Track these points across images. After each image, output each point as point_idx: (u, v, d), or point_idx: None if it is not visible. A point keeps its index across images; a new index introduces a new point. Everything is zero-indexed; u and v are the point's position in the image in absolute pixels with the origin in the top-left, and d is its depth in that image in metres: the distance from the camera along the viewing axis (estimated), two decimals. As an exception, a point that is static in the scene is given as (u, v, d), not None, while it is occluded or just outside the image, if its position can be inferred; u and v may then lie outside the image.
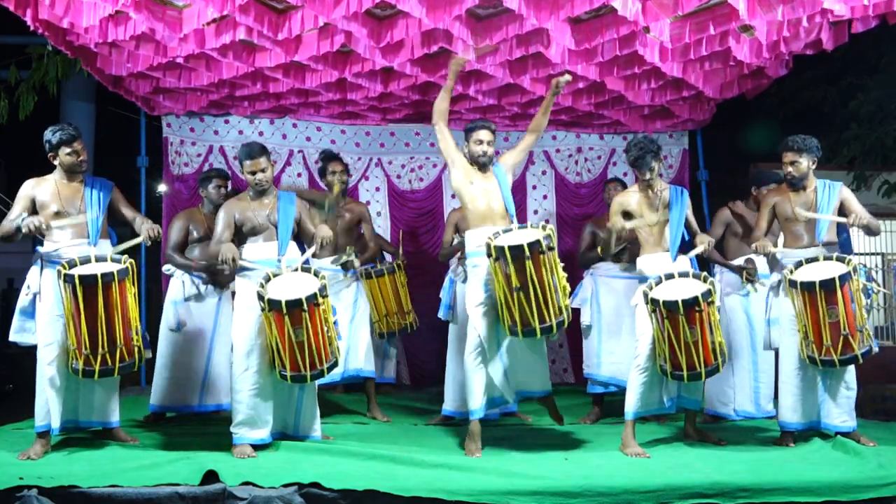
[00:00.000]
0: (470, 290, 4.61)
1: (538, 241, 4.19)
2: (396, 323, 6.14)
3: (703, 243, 4.70)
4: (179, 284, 5.42)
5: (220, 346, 5.46)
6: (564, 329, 4.45)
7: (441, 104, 4.66)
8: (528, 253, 4.17)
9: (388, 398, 6.44)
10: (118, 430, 4.71)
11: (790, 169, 4.71)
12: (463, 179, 4.68)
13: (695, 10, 4.80)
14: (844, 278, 4.36)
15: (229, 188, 5.64)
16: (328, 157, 5.76)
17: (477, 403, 4.48)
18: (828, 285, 4.34)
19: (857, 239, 8.56)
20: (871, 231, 4.66)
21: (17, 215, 4.36)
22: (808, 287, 4.39)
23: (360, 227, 5.80)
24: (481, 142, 4.66)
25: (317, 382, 4.57)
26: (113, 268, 4.19)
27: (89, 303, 4.12)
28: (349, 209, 5.71)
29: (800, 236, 4.74)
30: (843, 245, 4.81)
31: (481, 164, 4.69)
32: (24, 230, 4.28)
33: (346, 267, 5.43)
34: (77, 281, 4.09)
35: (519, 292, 4.22)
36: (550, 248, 4.25)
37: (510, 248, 4.18)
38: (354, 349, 5.56)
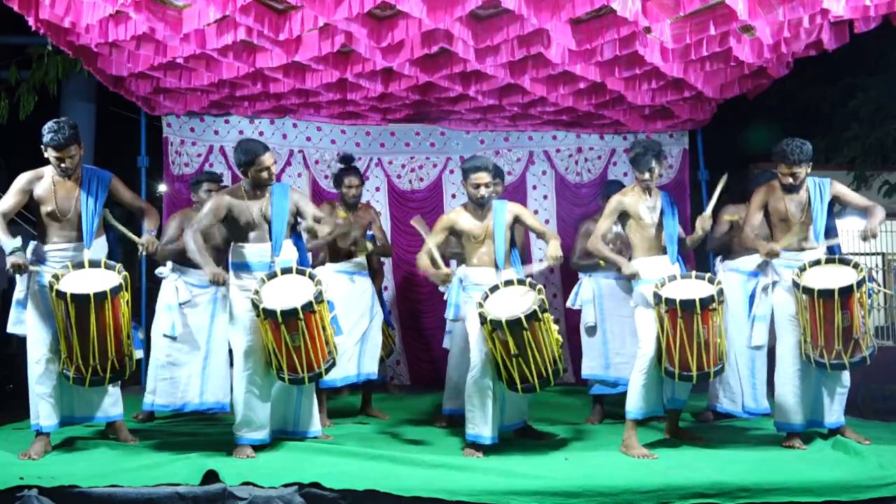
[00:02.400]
0: (471, 318, 4.59)
1: (534, 312, 4.20)
2: None
3: (700, 225, 4.68)
4: (173, 289, 5.37)
5: (217, 348, 5.45)
6: (560, 375, 4.49)
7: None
8: (525, 324, 4.18)
9: (388, 398, 6.44)
10: (121, 424, 4.71)
11: (790, 179, 4.65)
12: (460, 223, 4.74)
13: (695, 10, 4.79)
14: (861, 283, 4.34)
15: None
16: (346, 169, 5.69)
17: (480, 431, 4.42)
18: (846, 292, 4.31)
19: (856, 237, 8.56)
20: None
21: (10, 208, 4.31)
22: (825, 294, 4.34)
23: (370, 228, 5.83)
24: (478, 186, 4.65)
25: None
26: (106, 285, 4.15)
27: (81, 320, 4.11)
28: (360, 215, 5.72)
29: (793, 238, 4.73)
30: (834, 246, 4.80)
31: (479, 204, 4.71)
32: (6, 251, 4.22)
33: (356, 245, 5.47)
34: (69, 299, 4.07)
35: (517, 357, 4.25)
36: (544, 311, 4.27)
37: (508, 322, 4.17)
38: (369, 352, 5.57)
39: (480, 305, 4.33)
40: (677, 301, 4.31)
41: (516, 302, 4.31)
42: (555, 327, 4.39)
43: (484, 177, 4.64)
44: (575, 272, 5.91)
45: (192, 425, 5.34)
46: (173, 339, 5.36)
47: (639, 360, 4.56)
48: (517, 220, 4.77)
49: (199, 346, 5.42)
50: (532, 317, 4.19)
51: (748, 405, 5.43)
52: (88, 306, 4.08)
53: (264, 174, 4.44)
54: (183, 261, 5.34)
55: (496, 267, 4.69)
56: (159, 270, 5.46)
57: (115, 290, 4.16)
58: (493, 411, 4.43)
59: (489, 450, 4.42)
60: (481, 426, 4.41)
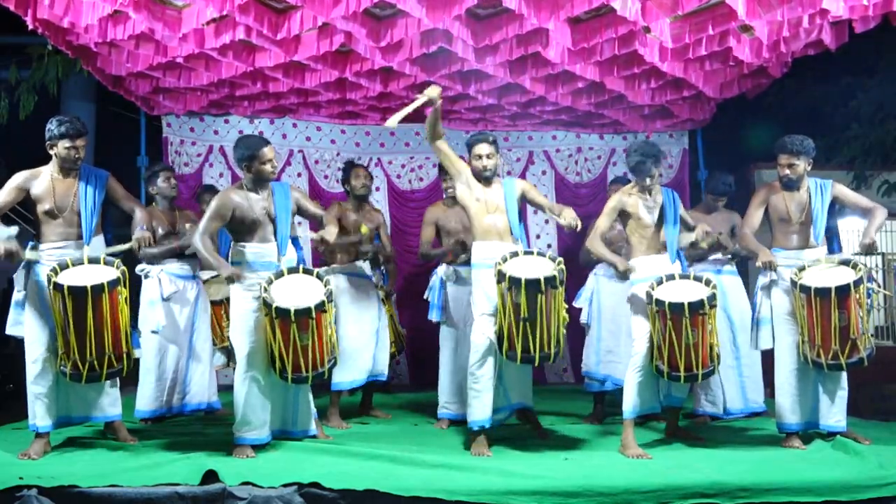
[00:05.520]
0: (476, 298, 4.60)
1: (554, 277, 4.21)
2: None
3: (699, 231, 4.74)
4: (156, 284, 5.32)
5: (201, 342, 5.45)
6: (559, 356, 4.49)
7: (430, 126, 4.67)
8: (543, 288, 4.19)
9: (389, 398, 6.44)
10: (121, 427, 4.71)
11: (787, 171, 4.67)
12: (468, 192, 4.70)
13: (694, 9, 4.79)
14: (858, 283, 4.34)
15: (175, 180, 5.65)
16: (353, 164, 5.79)
17: (484, 414, 4.48)
18: (843, 291, 4.31)
19: (857, 237, 8.56)
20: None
21: (1, 204, 4.28)
22: (822, 293, 4.34)
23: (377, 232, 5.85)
24: (480, 156, 4.67)
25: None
26: (104, 278, 4.14)
27: (79, 313, 4.10)
28: (369, 217, 5.72)
29: (792, 238, 4.73)
30: (834, 247, 4.80)
31: (485, 178, 4.71)
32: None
33: (365, 246, 5.46)
34: (66, 291, 4.06)
35: (525, 322, 4.24)
36: (562, 283, 4.28)
37: (527, 281, 4.18)
38: (381, 355, 5.59)
39: (500, 264, 4.33)
40: (667, 303, 4.32)
41: (536, 268, 4.32)
42: (564, 305, 4.40)
43: (485, 147, 4.67)
44: (574, 271, 5.92)
45: (191, 425, 5.33)
46: (157, 336, 5.33)
47: (632, 358, 4.59)
48: (524, 195, 4.78)
49: (182, 343, 5.39)
50: (551, 282, 4.21)
51: (732, 406, 5.43)
52: (85, 299, 4.08)
53: (267, 167, 4.45)
54: (161, 258, 5.34)
55: (512, 238, 4.66)
56: (140, 268, 5.42)
57: (113, 284, 4.15)
58: (494, 395, 4.51)
59: (489, 444, 4.44)
60: (483, 412, 4.47)
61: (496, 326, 4.41)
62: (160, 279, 5.31)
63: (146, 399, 5.31)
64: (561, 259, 4.42)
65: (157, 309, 5.27)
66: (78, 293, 4.08)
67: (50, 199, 4.36)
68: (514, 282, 4.21)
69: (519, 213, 4.78)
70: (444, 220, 5.57)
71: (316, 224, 4.68)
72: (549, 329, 4.29)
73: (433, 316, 5.48)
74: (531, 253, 4.49)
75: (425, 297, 5.60)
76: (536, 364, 4.40)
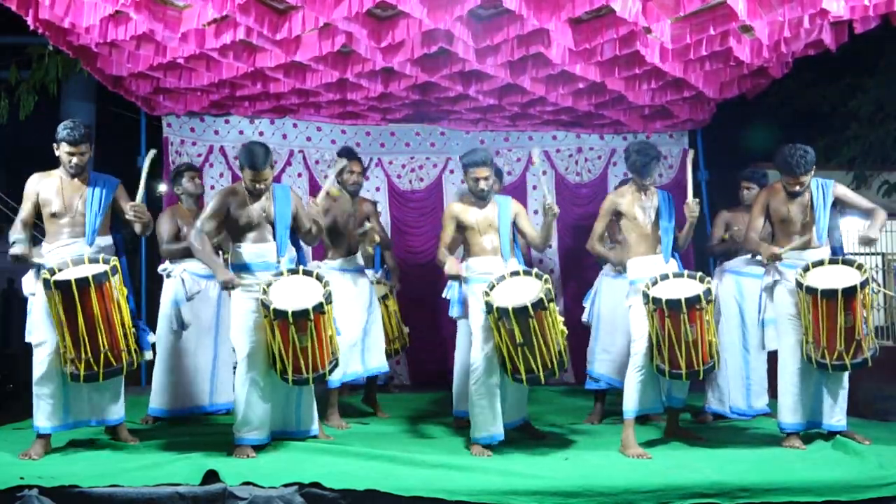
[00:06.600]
0: (473, 311, 4.62)
1: (541, 300, 4.21)
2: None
3: (688, 213, 4.70)
4: (178, 284, 5.36)
5: (225, 342, 5.45)
6: (564, 368, 4.48)
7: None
8: (532, 312, 4.19)
9: (389, 398, 6.44)
10: (122, 428, 4.71)
11: (797, 188, 4.63)
12: (461, 209, 4.79)
13: (695, 10, 4.79)
14: (864, 284, 4.34)
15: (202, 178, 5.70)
16: (348, 156, 5.55)
17: (496, 429, 4.46)
18: (850, 293, 4.30)
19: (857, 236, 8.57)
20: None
21: (27, 213, 4.36)
22: (828, 294, 4.32)
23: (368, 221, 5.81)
24: (478, 179, 4.71)
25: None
26: (90, 272, 4.13)
27: (68, 309, 4.09)
28: (360, 208, 5.67)
29: (795, 239, 4.72)
30: (836, 246, 4.80)
31: (480, 197, 4.76)
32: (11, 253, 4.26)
33: (365, 236, 5.43)
34: (53, 286, 4.07)
35: (523, 347, 4.25)
36: (551, 301, 4.29)
37: (515, 309, 4.19)
38: (374, 348, 5.56)
39: (487, 294, 4.35)
40: (663, 300, 4.33)
41: (522, 291, 4.33)
42: (560, 319, 4.41)
43: (484, 171, 4.71)
44: (577, 271, 5.94)
45: (192, 425, 5.33)
46: (180, 336, 5.34)
47: (633, 357, 4.59)
48: (516, 219, 4.83)
49: (207, 343, 5.41)
50: (538, 305, 4.21)
51: (736, 406, 5.46)
52: (71, 293, 4.06)
53: (252, 184, 4.43)
54: (185, 256, 5.34)
55: (502, 258, 4.71)
56: (162, 267, 5.45)
57: (100, 277, 4.12)
58: (501, 407, 4.49)
59: (492, 448, 4.43)
60: (495, 425, 4.45)
61: (496, 350, 4.41)
62: (182, 279, 5.33)
63: (160, 397, 5.34)
64: (547, 276, 4.42)
65: (177, 310, 5.31)
66: (64, 288, 4.07)
67: (57, 200, 4.39)
68: (503, 312, 4.23)
69: (514, 232, 4.84)
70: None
71: (302, 235, 4.68)
72: (549, 347, 4.30)
73: (453, 312, 5.48)
74: (517, 273, 4.50)
75: (444, 295, 5.59)
76: (543, 382, 4.41)
